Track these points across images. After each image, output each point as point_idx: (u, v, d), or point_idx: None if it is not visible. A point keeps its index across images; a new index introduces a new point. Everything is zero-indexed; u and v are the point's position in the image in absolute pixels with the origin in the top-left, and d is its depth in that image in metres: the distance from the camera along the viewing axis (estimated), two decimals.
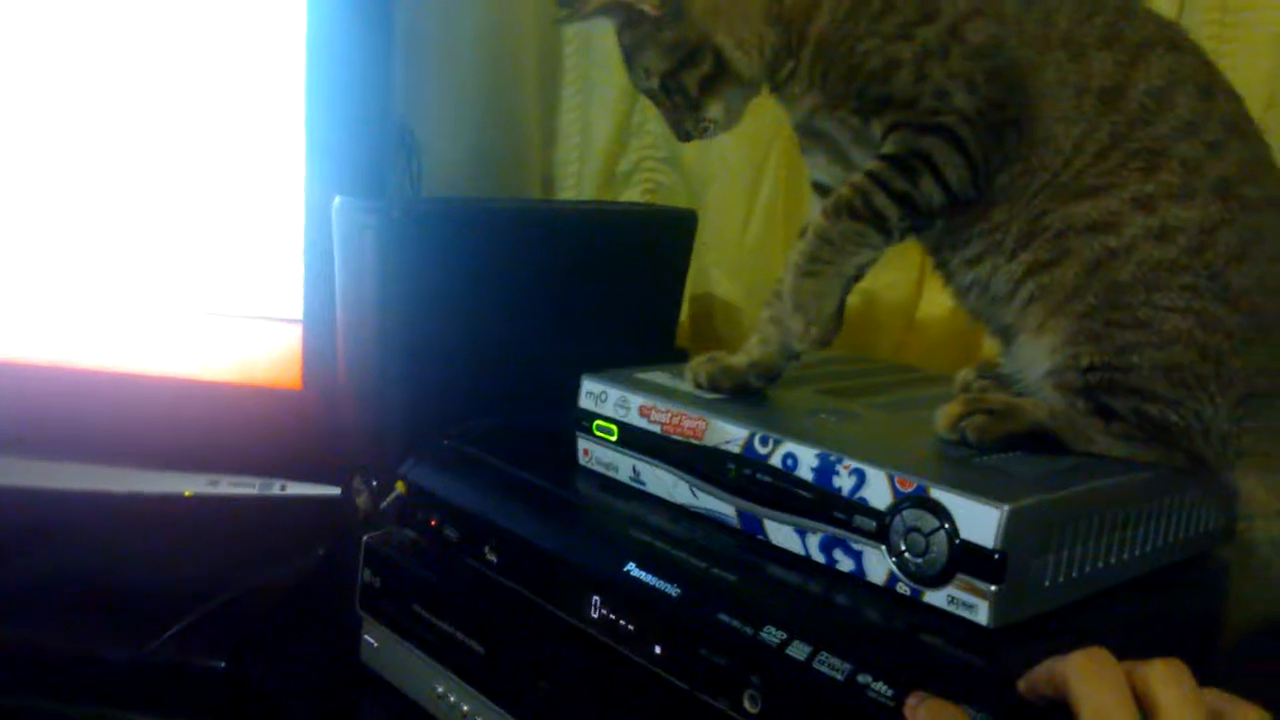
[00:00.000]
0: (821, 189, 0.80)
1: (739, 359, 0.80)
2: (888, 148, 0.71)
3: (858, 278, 0.74)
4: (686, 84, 0.75)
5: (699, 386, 0.79)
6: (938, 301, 1.22)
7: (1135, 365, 0.68)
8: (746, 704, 0.60)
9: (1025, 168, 0.70)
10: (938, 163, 0.69)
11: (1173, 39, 0.71)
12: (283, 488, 1.06)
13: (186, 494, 1.07)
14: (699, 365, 0.80)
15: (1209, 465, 0.70)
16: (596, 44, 1.33)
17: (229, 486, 1.07)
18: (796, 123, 0.79)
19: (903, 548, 0.62)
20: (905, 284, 1.24)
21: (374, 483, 0.92)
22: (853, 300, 1.07)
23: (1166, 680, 0.46)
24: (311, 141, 1.04)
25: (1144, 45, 0.69)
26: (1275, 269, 0.69)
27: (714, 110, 0.76)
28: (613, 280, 1.08)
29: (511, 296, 0.99)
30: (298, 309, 1.05)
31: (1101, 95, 0.68)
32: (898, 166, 0.70)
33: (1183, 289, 0.67)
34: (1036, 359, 0.71)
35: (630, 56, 0.77)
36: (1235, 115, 0.70)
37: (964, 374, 0.84)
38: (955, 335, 1.20)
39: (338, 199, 0.95)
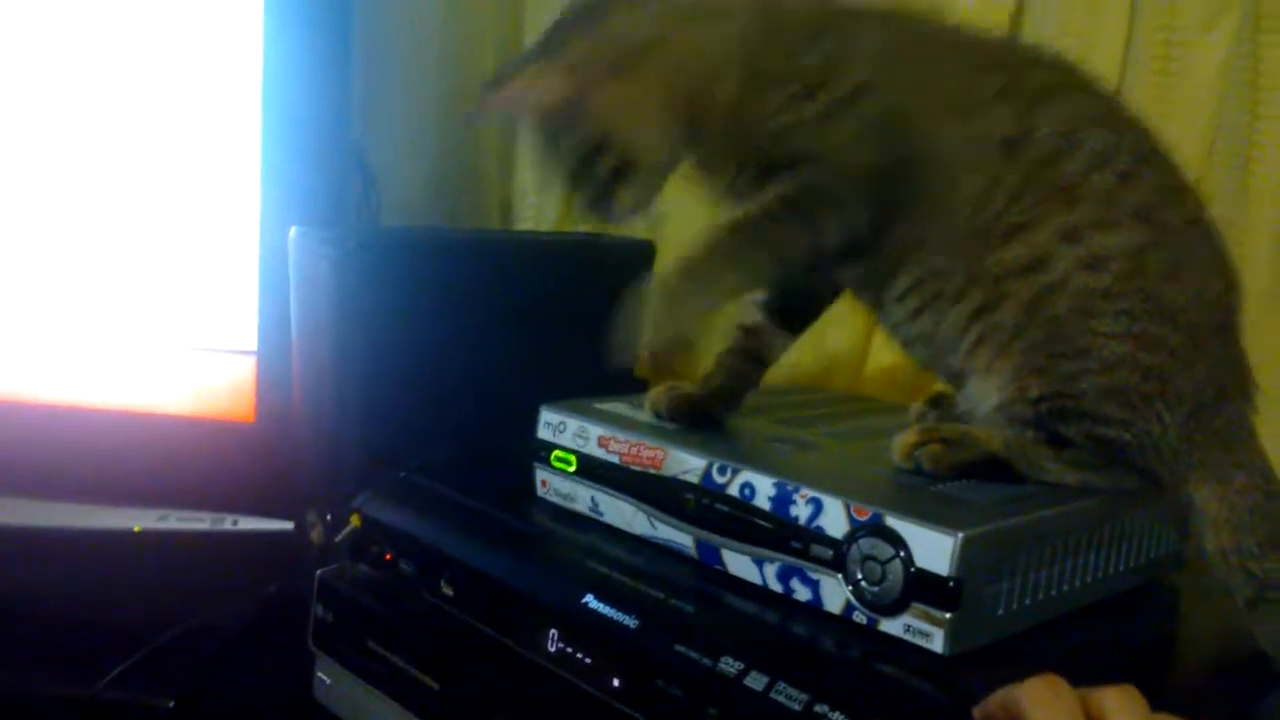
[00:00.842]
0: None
1: (697, 388, 0.80)
2: (767, 197, 0.71)
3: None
4: (595, 177, 0.74)
5: (658, 416, 0.79)
6: (884, 355, 1.23)
7: (1082, 391, 0.68)
8: None
9: (934, 221, 0.71)
10: (820, 217, 0.70)
11: (1072, 82, 0.73)
12: (234, 522, 1.04)
13: (136, 529, 1.05)
14: (658, 395, 0.80)
15: (1162, 483, 0.70)
16: None
17: (179, 521, 1.05)
18: (715, 198, 0.78)
19: (859, 576, 0.62)
20: (853, 341, 1.24)
21: (328, 516, 0.91)
22: (804, 358, 1.07)
23: (1120, 706, 0.47)
24: (267, 171, 1.03)
25: (1043, 91, 0.71)
26: (1207, 283, 0.70)
27: (626, 199, 0.75)
28: (571, 310, 1.08)
29: (469, 327, 0.98)
30: (252, 340, 1.04)
31: (1004, 145, 0.69)
32: (771, 214, 0.70)
33: (1119, 314, 0.68)
34: (986, 396, 0.71)
35: (539, 149, 0.77)
36: (1144, 145, 0.71)
37: (918, 406, 0.85)
38: (902, 382, 1.22)
39: (294, 229, 0.95)
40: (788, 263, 0.72)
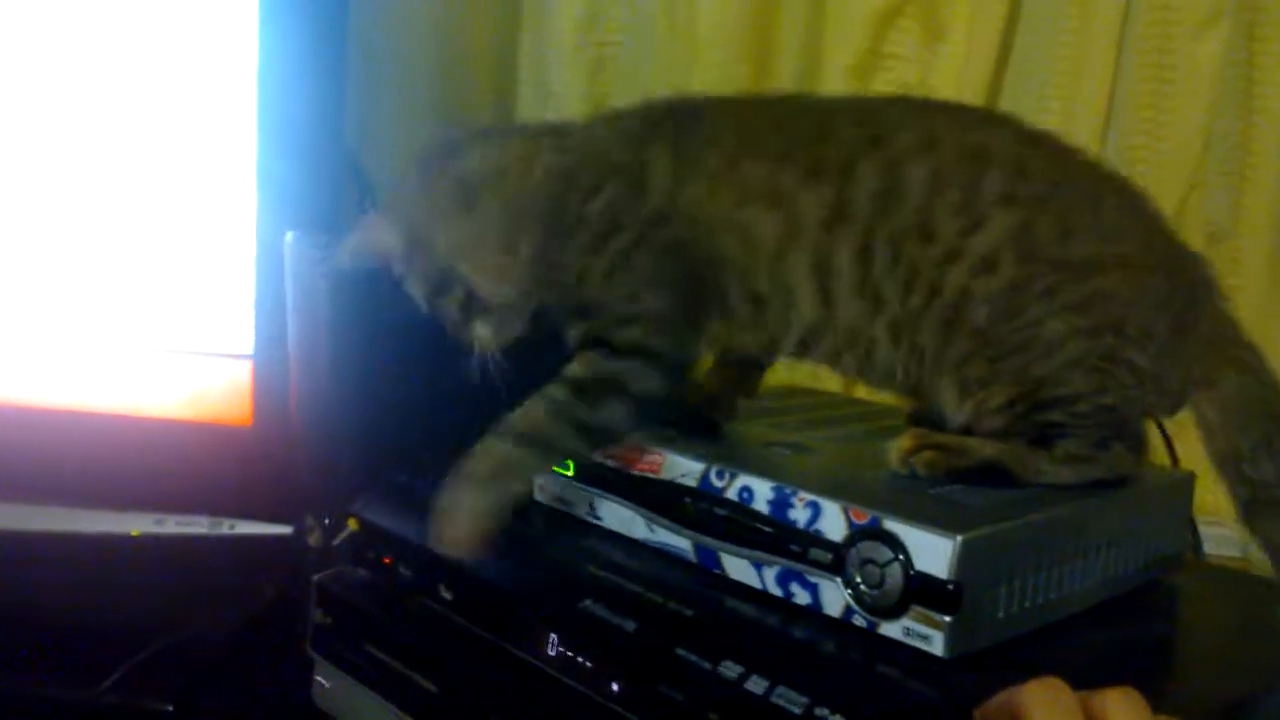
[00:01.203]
0: None
1: (694, 394, 0.80)
2: (573, 369, 0.71)
3: None
4: (447, 309, 0.77)
5: None
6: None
7: (1039, 379, 0.69)
8: None
9: (793, 309, 0.73)
10: (629, 386, 0.70)
11: (876, 135, 0.71)
12: (232, 527, 1.04)
13: (133, 533, 1.05)
14: None
15: (1145, 446, 0.73)
16: (552, 79, 1.33)
17: (177, 526, 1.05)
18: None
19: (858, 580, 0.63)
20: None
21: (326, 521, 0.91)
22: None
23: (1121, 708, 0.47)
24: (263, 176, 1.03)
25: (849, 161, 0.70)
26: (1107, 215, 0.71)
27: (480, 330, 0.77)
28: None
29: None
30: (248, 344, 1.04)
31: (822, 224, 0.70)
32: (579, 392, 0.70)
33: (1039, 297, 0.68)
34: (950, 415, 0.72)
35: (399, 279, 0.79)
36: (970, 145, 0.71)
37: (913, 409, 0.84)
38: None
39: (290, 234, 0.95)
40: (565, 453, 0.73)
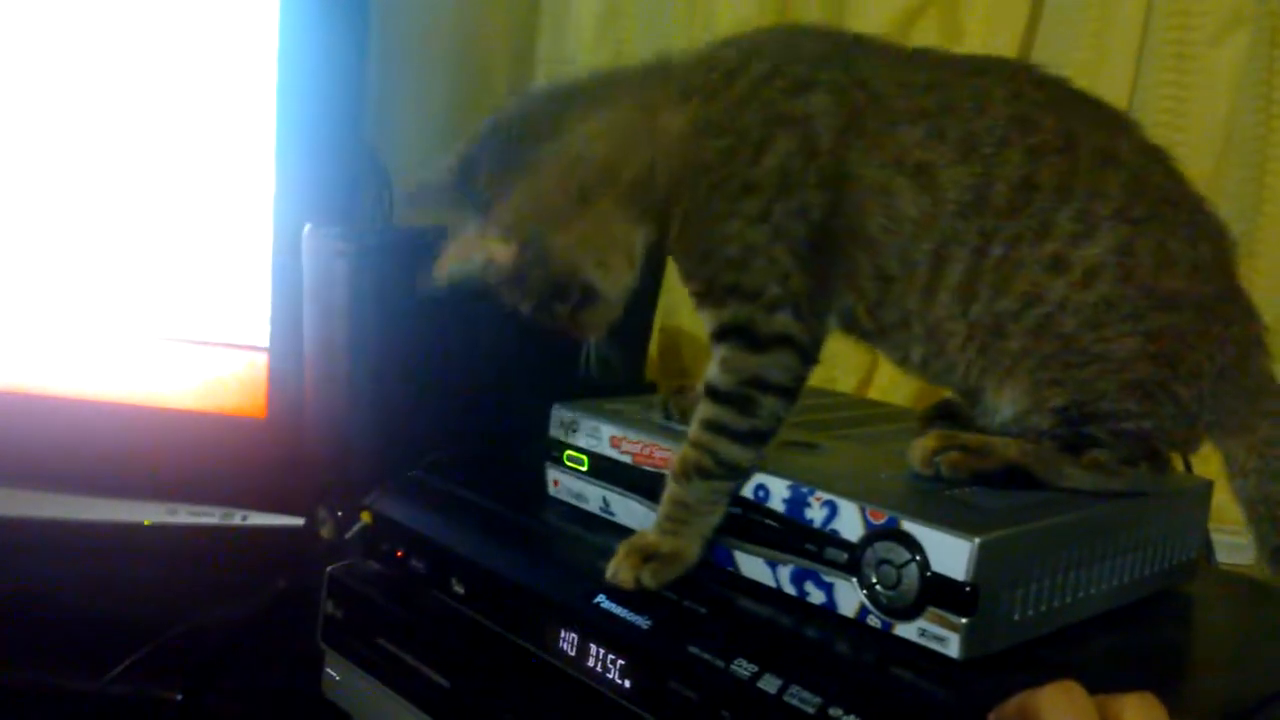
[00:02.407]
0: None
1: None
2: (717, 380, 0.69)
3: None
4: (558, 313, 0.73)
5: (668, 417, 0.79)
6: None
7: (1103, 393, 0.69)
8: None
9: (910, 292, 0.70)
10: (770, 379, 0.69)
11: (1025, 116, 0.69)
12: (244, 518, 1.04)
13: (146, 523, 1.05)
14: (669, 395, 0.80)
15: (1168, 468, 0.72)
16: (568, 72, 1.33)
17: (189, 516, 1.05)
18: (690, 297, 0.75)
19: (874, 580, 0.62)
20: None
21: (339, 513, 0.91)
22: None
23: (1139, 714, 0.47)
24: (282, 169, 1.03)
25: (999, 144, 0.68)
26: (1199, 252, 0.70)
27: (589, 326, 0.74)
28: None
29: (481, 326, 0.98)
30: (264, 337, 1.04)
31: (960, 209, 0.68)
32: (733, 405, 0.68)
33: (1124, 318, 0.68)
34: (1001, 409, 0.72)
35: (496, 291, 0.73)
36: (1102, 149, 0.70)
37: (926, 411, 0.84)
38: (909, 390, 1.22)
39: (308, 227, 0.95)
40: (752, 468, 0.70)
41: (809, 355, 0.70)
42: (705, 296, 0.71)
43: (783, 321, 0.68)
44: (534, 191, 0.69)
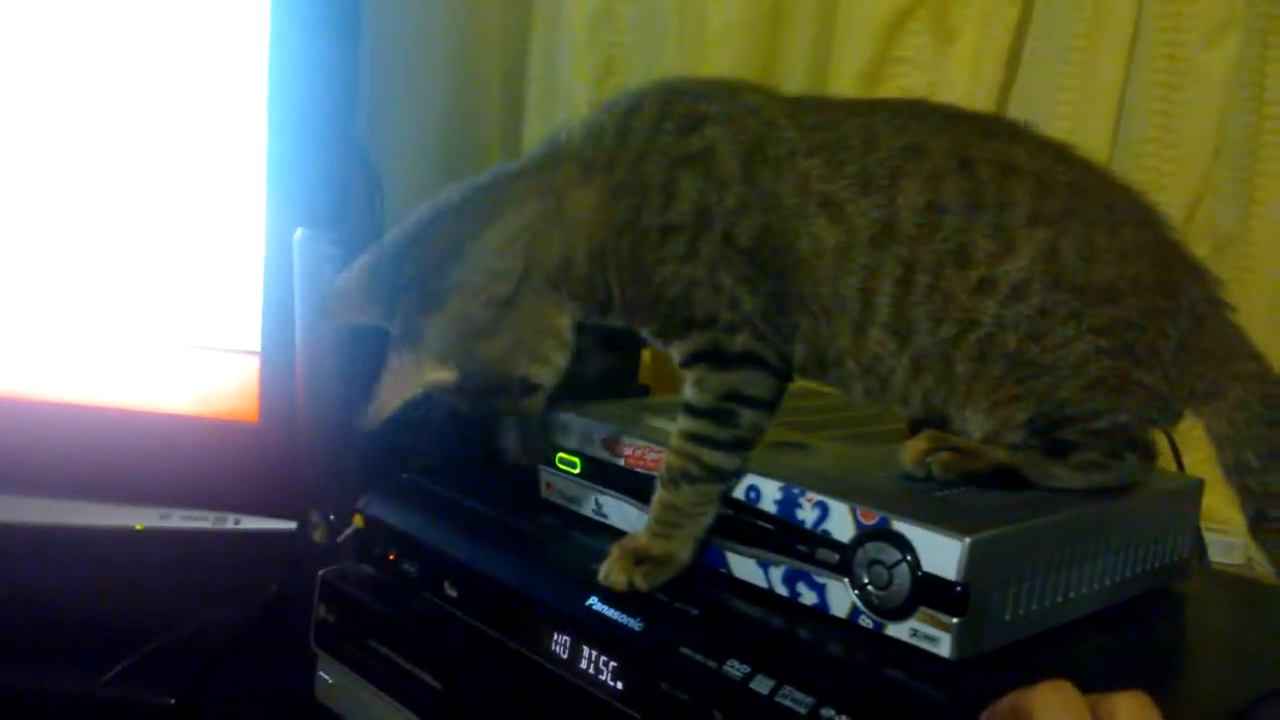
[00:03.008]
0: None
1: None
2: (693, 398, 0.70)
3: None
4: (501, 407, 0.73)
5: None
6: None
7: (1064, 399, 0.69)
8: None
9: (828, 326, 0.70)
10: (746, 393, 0.69)
11: (916, 145, 0.69)
12: (237, 522, 1.04)
13: (138, 527, 1.04)
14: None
15: (1156, 454, 0.72)
16: (560, 76, 1.33)
17: (181, 520, 1.04)
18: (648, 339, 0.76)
19: (865, 580, 0.62)
20: None
21: (331, 517, 0.91)
22: None
23: (1131, 713, 0.47)
24: (273, 173, 1.03)
25: (895, 175, 0.68)
26: (1124, 233, 0.70)
27: (530, 409, 0.74)
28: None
29: None
30: (256, 341, 1.04)
31: (873, 241, 0.68)
32: (712, 419, 0.69)
33: (1066, 320, 0.68)
34: (971, 431, 0.72)
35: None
36: (999, 160, 0.70)
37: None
38: None
39: (299, 231, 0.94)
40: (738, 472, 0.70)
41: (779, 372, 0.70)
42: (665, 334, 0.72)
43: (743, 341, 0.69)
44: (460, 313, 0.70)
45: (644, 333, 0.74)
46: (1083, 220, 0.69)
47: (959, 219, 0.68)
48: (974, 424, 0.71)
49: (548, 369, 0.72)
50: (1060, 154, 0.72)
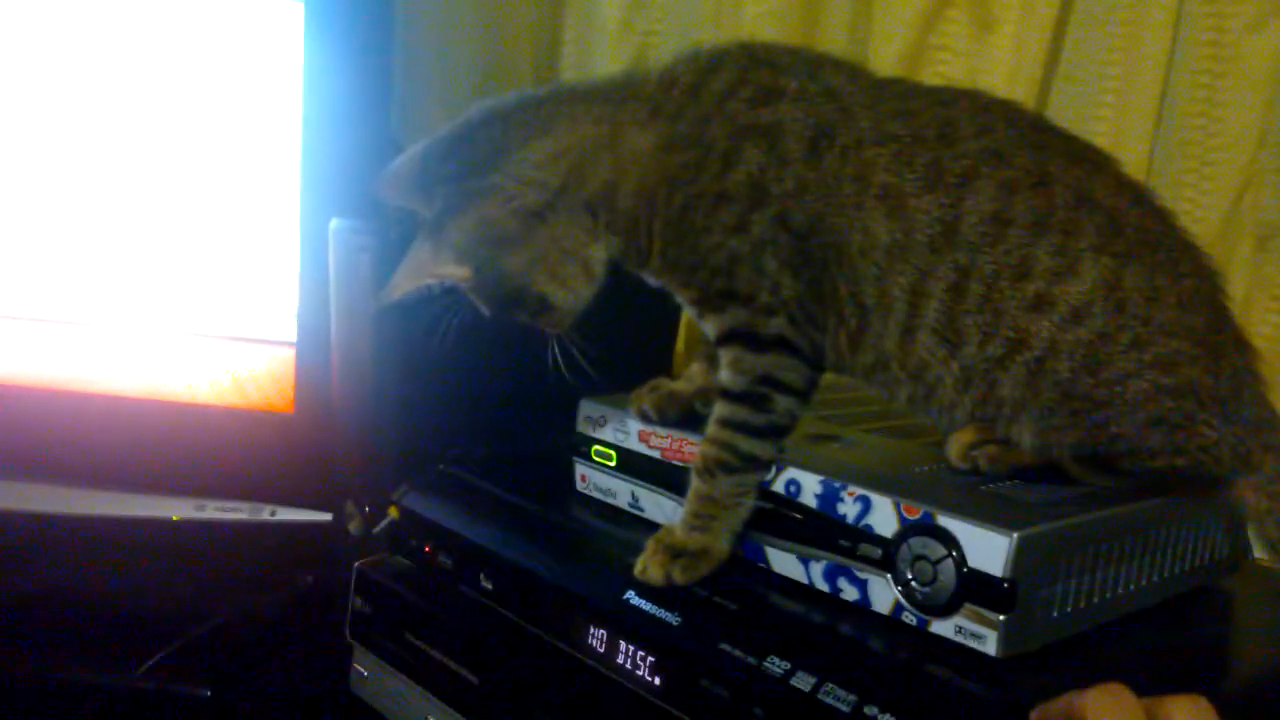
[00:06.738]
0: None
1: (683, 385, 0.79)
2: (729, 381, 0.69)
3: None
4: (518, 318, 0.73)
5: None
6: None
7: (1119, 435, 0.66)
8: None
9: (887, 324, 0.69)
10: (781, 378, 0.68)
11: (997, 150, 0.67)
12: (273, 513, 1.04)
13: (174, 518, 1.05)
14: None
15: (1221, 478, 0.69)
16: (595, 67, 1.32)
17: (217, 511, 1.05)
18: (681, 304, 0.76)
19: (909, 576, 0.61)
20: None
21: (367, 508, 0.91)
22: None
23: (1190, 717, 0.45)
24: (308, 165, 1.03)
25: (966, 176, 0.66)
26: (1183, 282, 0.68)
27: (552, 327, 0.74)
28: (610, 306, 1.07)
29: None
30: (291, 332, 1.04)
31: (931, 242, 0.66)
32: (747, 403, 0.69)
33: (1126, 351, 0.65)
34: (1020, 444, 0.69)
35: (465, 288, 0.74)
36: (1077, 188, 0.67)
37: None
38: None
39: (334, 221, 0.94)
40: (773, 459, 0.70)
41: (811, 361, 0.69)
42: (703, 304, 0.71)
43: (779, 325, 0.68)
44: (487, 217, 0.70)
45: (680, 299, 0.73)
46: (1146, 263, 0.66)
47: (1023, 235, 0.66)
48: (1023, 440, 0.69)
49: (566, 292, 0.72)
50: (1138, 197, 0.70)
